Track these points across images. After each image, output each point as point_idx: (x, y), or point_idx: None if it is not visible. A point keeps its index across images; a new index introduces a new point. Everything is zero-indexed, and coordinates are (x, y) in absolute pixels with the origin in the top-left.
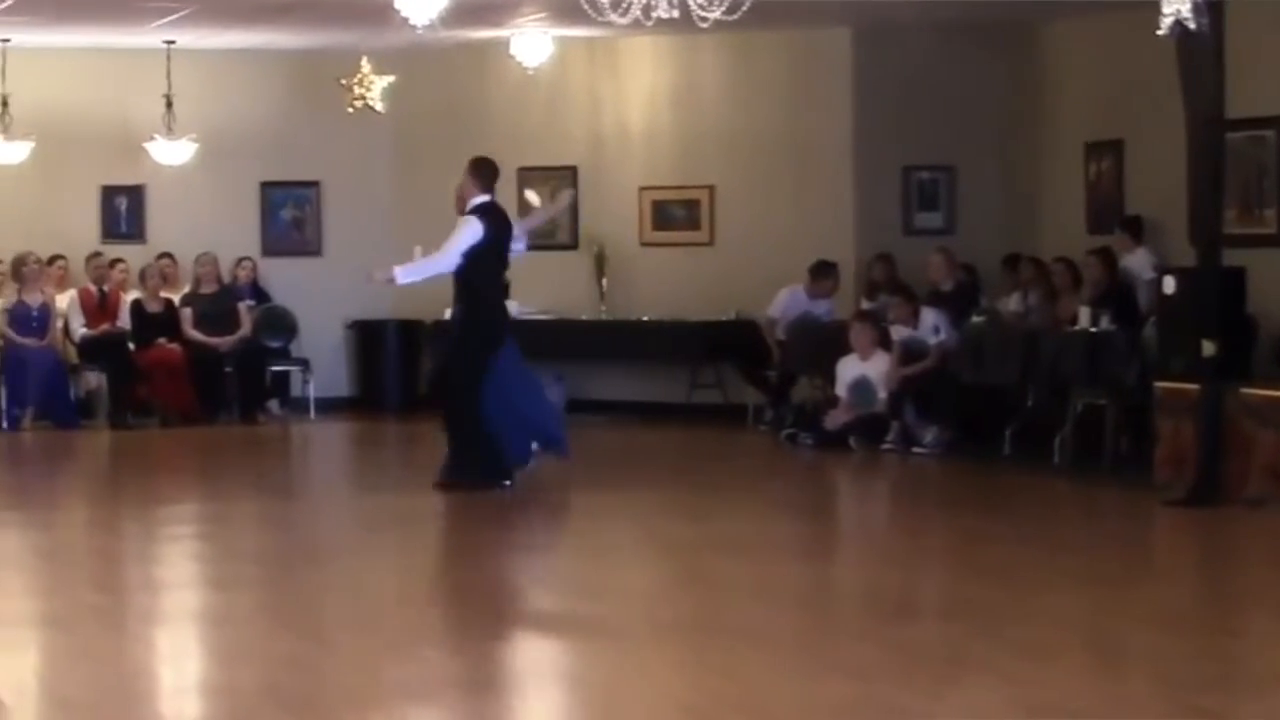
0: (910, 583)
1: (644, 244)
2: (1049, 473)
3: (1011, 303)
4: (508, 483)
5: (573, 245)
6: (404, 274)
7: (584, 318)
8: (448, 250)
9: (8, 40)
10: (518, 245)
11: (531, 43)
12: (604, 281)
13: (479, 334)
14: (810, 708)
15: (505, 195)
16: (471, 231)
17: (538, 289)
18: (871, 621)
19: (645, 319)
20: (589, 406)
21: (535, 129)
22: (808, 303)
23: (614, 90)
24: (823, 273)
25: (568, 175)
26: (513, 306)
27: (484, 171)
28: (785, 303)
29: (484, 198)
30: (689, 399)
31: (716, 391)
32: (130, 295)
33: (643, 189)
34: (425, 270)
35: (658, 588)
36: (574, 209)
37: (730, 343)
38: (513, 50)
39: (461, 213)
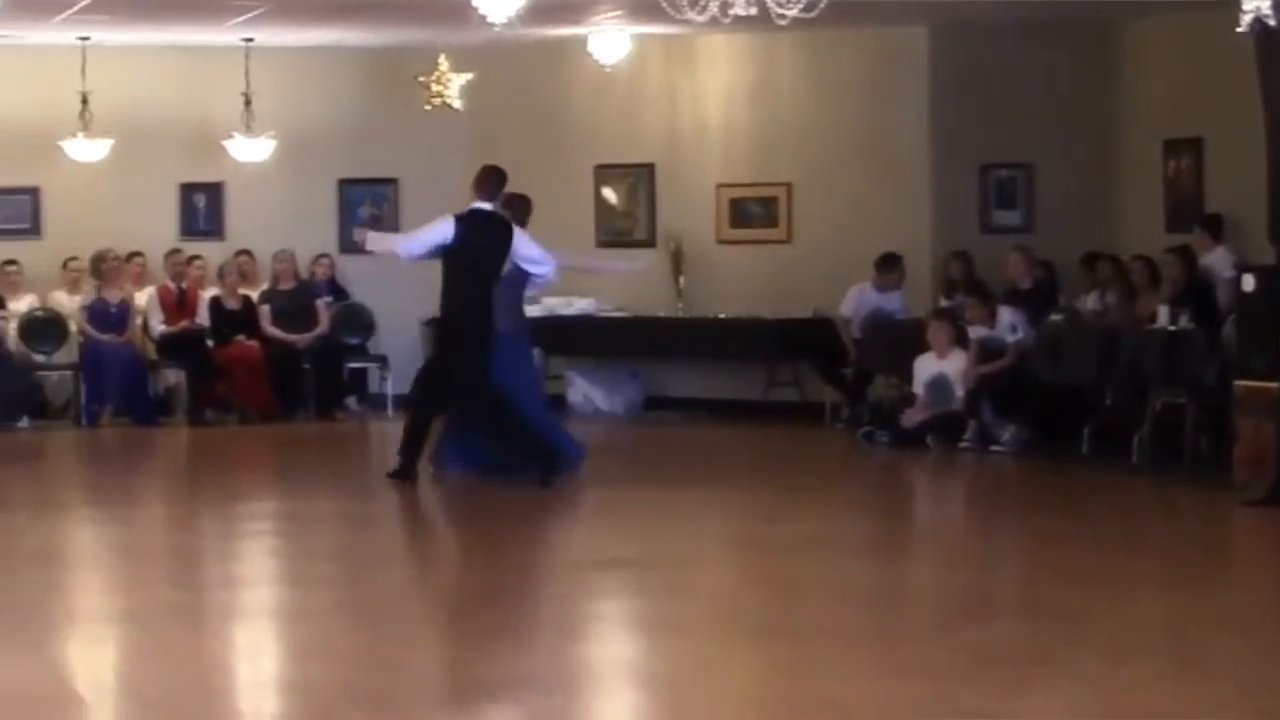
0: (986, 583)
1: (721, 241)
2: (1127, 472)
3: (1090, 301)
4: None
5: (650, 243)
6: (372, 241)
7: (660, 315)
8: (411, 236)
9: (87, 39)
10: (541, 268)
11: (609, 40)
12: (681, 279)
13: (442, 333)
14: (884, 707)
15: (582, 193)
16: (439, 230)
17: (615, 287)
18: (947, 622)
19: (722, 316)
20: (665, 404)
21: (612, 126)
22: (877, 298)
23: (691, 88)
24: (888, 265)
25: (644, 173)
26: (590, 304)
27: (484, 180)
28: (855, 301)
29: (479, 205)
30: (765, 397)
31: (793, 389)
32: (208, 292)
33: (720, 186)
34: (387, 245)
35: (732, 587)
36: (650, 206)
37: (807, 340)
38: (590, 48)
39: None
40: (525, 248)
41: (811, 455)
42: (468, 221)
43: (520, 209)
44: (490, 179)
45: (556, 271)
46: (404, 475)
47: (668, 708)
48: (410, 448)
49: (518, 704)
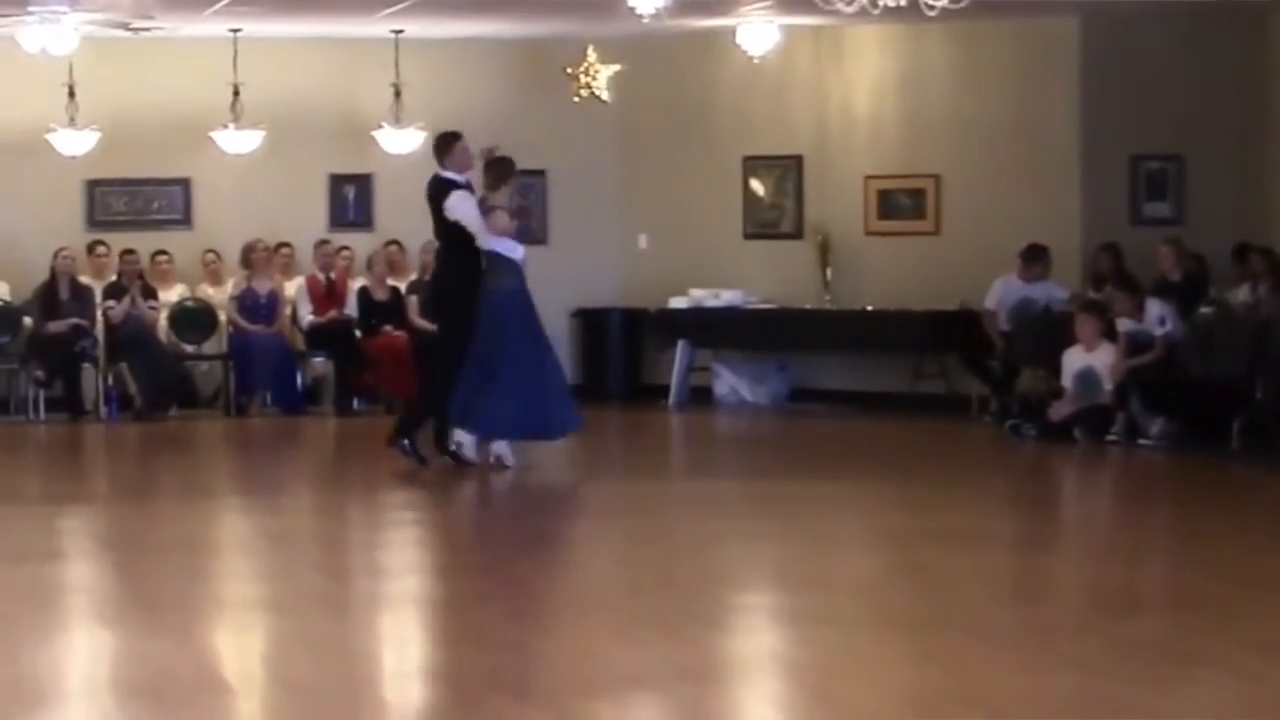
0: (1135, 577)
1: (869, 233)
2: (1277, 468)
3: (1241, 294)
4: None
5: (797, 234)
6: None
7: (808, 307)
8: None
9: (238, 30)
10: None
11: (757, 32)
12: (828, 271)
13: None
14: (1033, 701)
15: (730, 185)
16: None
17: (762, 278)
18: (1095, 616)
19: (869, 309)
20: (812, 396)
21: (761, 118)
22: (1022, 289)
23: (840, 79)
24: (1033, 257)
25: (792, 164)
26: (737, 296)
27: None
28: (1000, 293)
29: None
30: (912, 389)
31: (940, 382)
32: (356, 283)
33: (868, 178)
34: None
35: (879, 579)
36: (798, 198)
37: (954, 333)
38: (739, 39)
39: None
40: (460, 209)
41: (958, 448)
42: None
43: (497, 172)
44: (438, 144)
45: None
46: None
47: (814, 699)
48: (407, 427)
49: (664, 694)
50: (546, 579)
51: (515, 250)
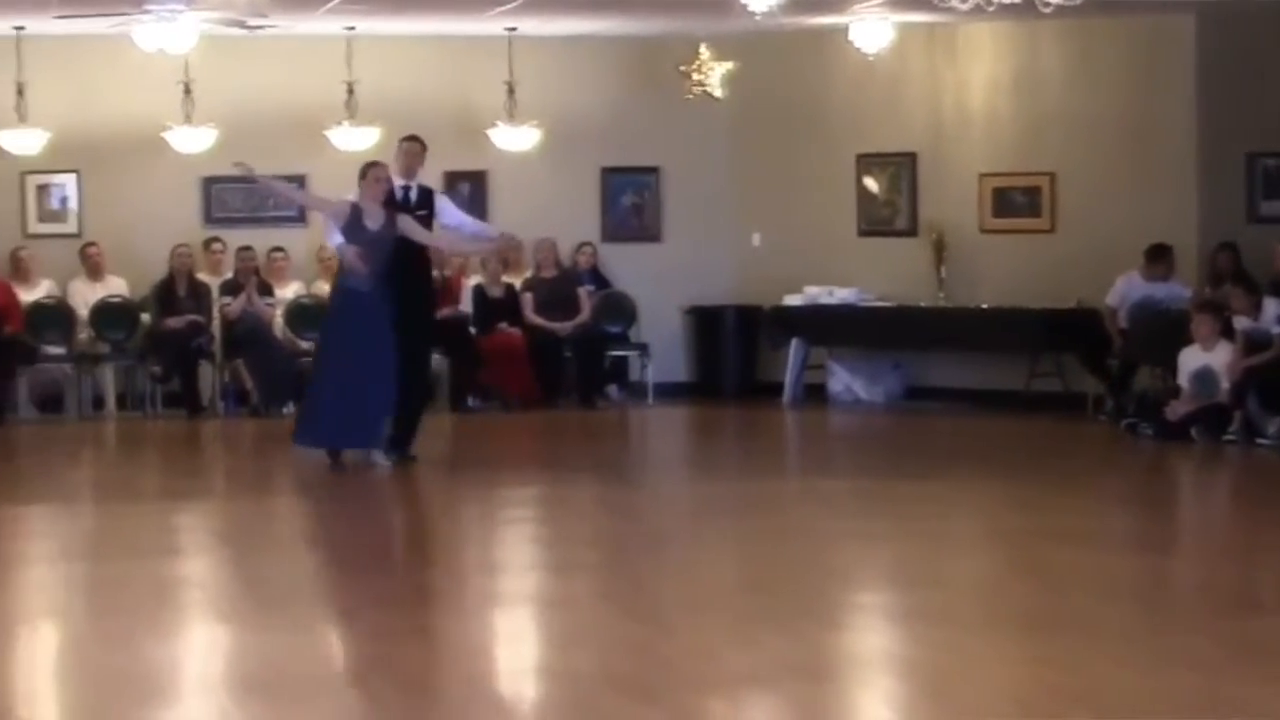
0: (1251, 577)
1: (984, 231)
2: None
3: None
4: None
5: (912, 232)
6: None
7: (922, 305)
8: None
9: (353, 29)
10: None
11: (871, 29)
12: (943, 269)
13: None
14: (1149, 701)
15: (843, 183)
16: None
17: (876, 276)
18: (1212, 616)
19: (984, 306)
20: (927, 394)
21: (874, 116)
22: (1145, 287)
23: (954, 76)
24: (1157, 256)
25: (906, 162)
26: (851, 294)
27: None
28: (1122, 290)
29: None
30: (1027, 387)
31: (1056, 380)
32: (472, 280)
33: (983, 175)
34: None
35: (993, 578)
36: (912, 195)
37: (1070, 331)
38: (852, 37)
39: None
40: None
41: (1074, 446)
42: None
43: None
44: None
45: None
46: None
47: (928, 698)
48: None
49: (779, 692)
50: (662, 578)
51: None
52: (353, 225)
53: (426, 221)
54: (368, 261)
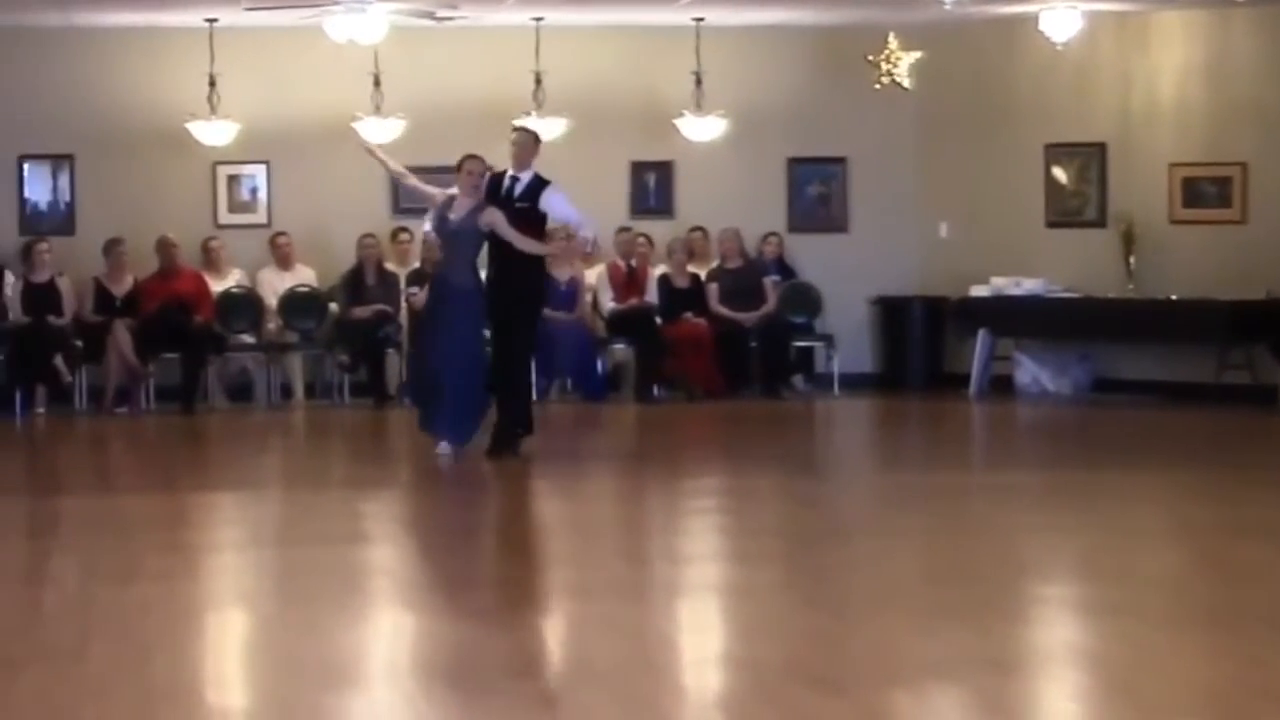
0: None
1: (1173, 222)
2: None
3: None
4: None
5: (1100, 223)
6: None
7: (1110, 296)
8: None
9: (540, 19)
10: None
11: (1061, 18)
12: (1131, 259)
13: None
14: None
15: (1032, 173)
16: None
17: (1064, 267)
18: None
19: (1173, 298)
20: (1115, 386)
21: (1063, 105)
22: None
23: (1144, 66)
24: None
25: (1095, 152)
26: (1038, 285)
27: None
28: None
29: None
30: (1217, 379)
31: (1246, 373)
32: (658, 270)
33: (1172, 166)
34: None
35: (1180, 571)
36: (1101, 185)
37: (1261, 322)
38: (1041, 26)
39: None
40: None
41: (1263, 440)
42: None
43: None
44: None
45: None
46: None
47: (1114, 692)
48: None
49: (963, 685)
50: (846, 569)
51: None
52: (439, 217)
53: (527, 214)
54: (443, 252)
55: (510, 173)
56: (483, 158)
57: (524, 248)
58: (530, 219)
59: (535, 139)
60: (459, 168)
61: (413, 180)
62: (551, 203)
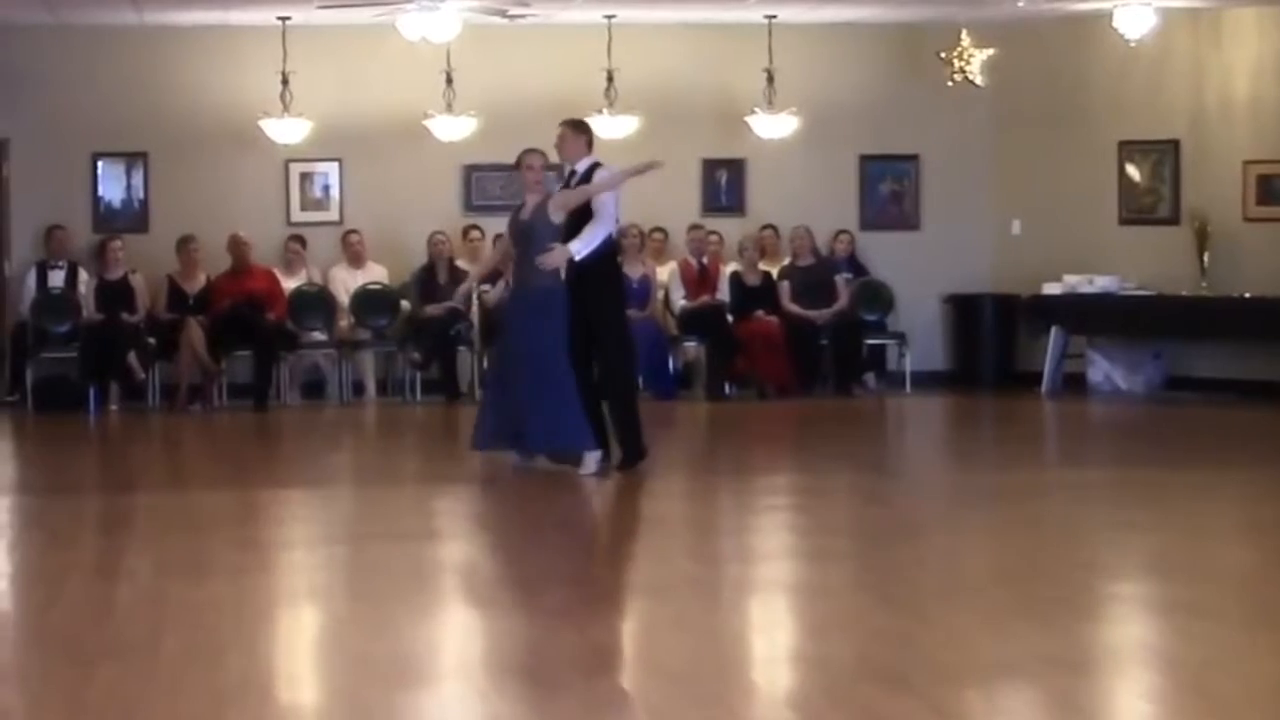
0: None
1: (1247, 219)
2: None
3: None
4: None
5: (1174, 220)
6: (580, 249)
7: (1184, 294)
8: (610, 209)
9: (613, 17)
10: None
11: (1134, 15)
12: (1205, 257)
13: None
14: None
15: (1105, 170)
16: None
17: (1137, 264)
18: None
19: (1247, 295)
20: (1188, 384)
21: (1136, 102)
22: None
23: (1218, 62)
24: None
25: (1169, 149)
26: (1111, 282)
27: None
28: None
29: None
30: None
31: None
32: (729, 267)
33: (1247, 163)
34: (597, 239)
35: (1254, 570)
36: (1175, 183)
37: None
38: (1115, 22)
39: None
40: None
41: None
42: None
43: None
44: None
45: None
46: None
47: (1187, 692)
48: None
49: (1035, 683)
50: (917, 566)
51: None
52: (512, 218)
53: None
54: (517, 257)
55: (568, 166)
56: (543, 151)
57: (607, 185)
58: (582, 209)
59: (574, 128)
60: (518, 164)
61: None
62: (599, 174)
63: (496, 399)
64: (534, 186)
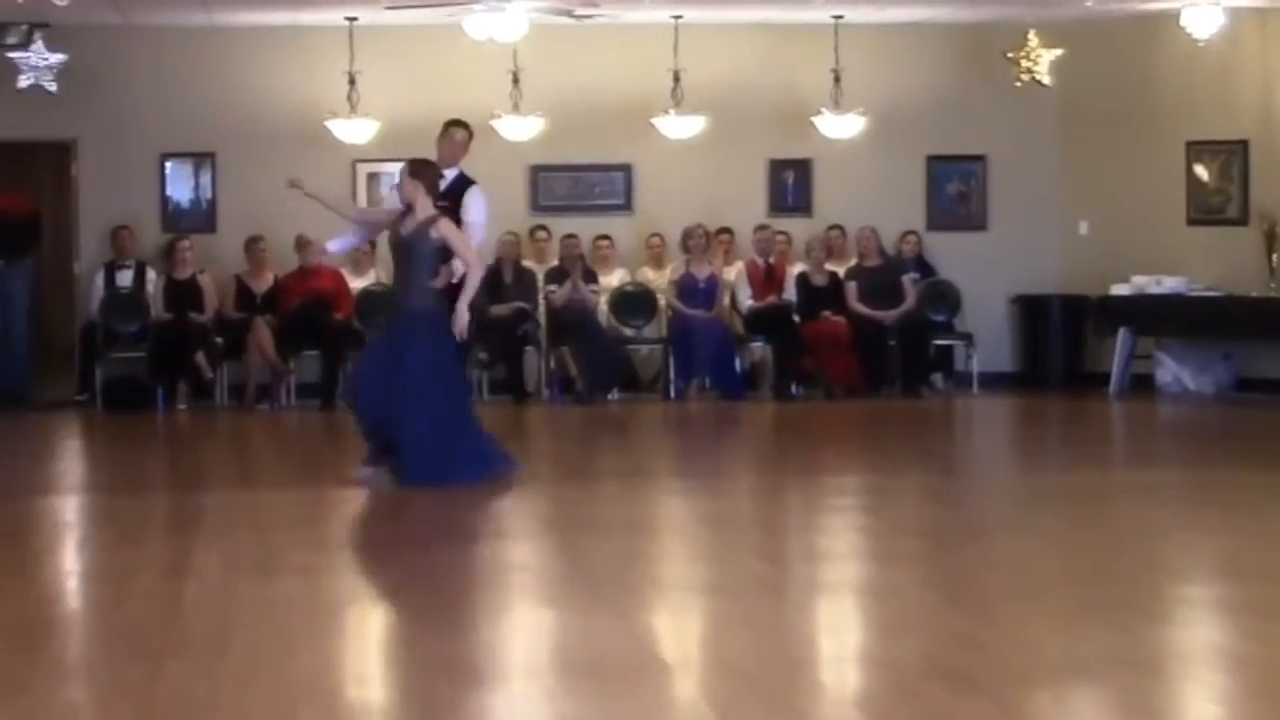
0: None
1: None
2: None
3: None
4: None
5: (1243, 221)
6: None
7: (1254, 295)
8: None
9: (680, 17)
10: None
11: (1202, 15)
12: (1274, 258)
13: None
14: None
15: (1173, 170)
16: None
17: (1206, 265)
18: None
19: None
20: (1257, 385)
21: (1205, 102)
22: None
23: None
24: None
25: (1238, 149)
26: (1180, 283)
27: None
28: None
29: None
30: None
31: None
32: (795, 268)
33: None
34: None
35: None
36: (1244, 183)
37: None
38: (1183, 22)
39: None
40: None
41: None
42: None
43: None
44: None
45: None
46: None
47: (1258, 695)
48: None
49: (1105, 685)
50: (985, 567)
51: None
52: (391, 229)
53: (450, 214)
54: (401, 267)
55: (446, 171)
56: (433, 163)
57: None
58: (450, 218)
59: (470, 135)
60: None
61: (356, 209)
62: (469, 206)
63: (375, 414)
64: (416, 197)
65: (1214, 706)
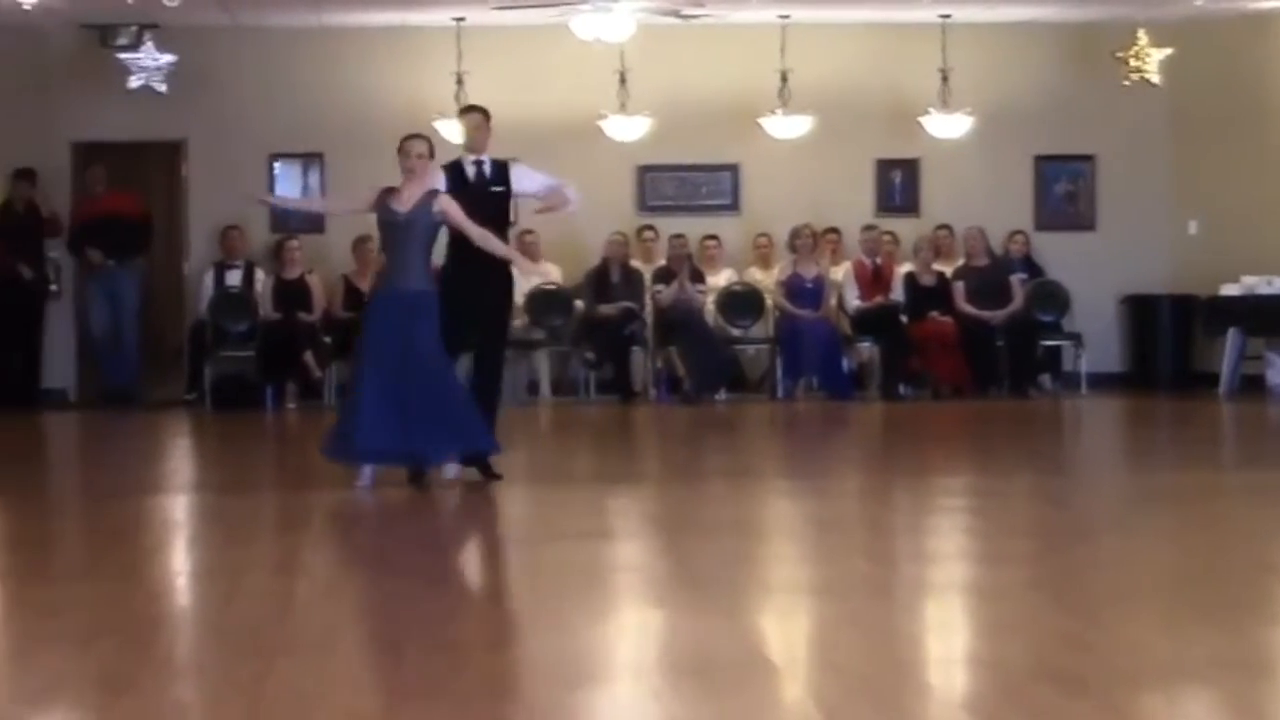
0: None
1: None
2: None
3: None
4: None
5: None
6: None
7: None
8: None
9: (787, 17)
10: None
11: None
12: None
13: None
14: None
15: None
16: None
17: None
18: None
19: None
20: None
21: None
22: None
23: None
24: None
25: None
26: (1256, 281)
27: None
28: None
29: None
30: None
31: None
32: (903, 268)
33: None
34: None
35: None
36: None
37: None
38: None
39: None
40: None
41: None
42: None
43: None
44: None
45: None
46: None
47: None
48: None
49: (1214, 687)
50: (1093, 568)
51: None
52: (382, 208)
53: (504, 199)
54: (386, 253)
55: (472, 158)
56: (427, 138)
57: (489, 248)
58: (502, 207)
59: (488, 117)
60: (400, 150)
61: (329, 199)
62: (524, 178)
63: (378, 413)
64: (417, 176)
65: None
